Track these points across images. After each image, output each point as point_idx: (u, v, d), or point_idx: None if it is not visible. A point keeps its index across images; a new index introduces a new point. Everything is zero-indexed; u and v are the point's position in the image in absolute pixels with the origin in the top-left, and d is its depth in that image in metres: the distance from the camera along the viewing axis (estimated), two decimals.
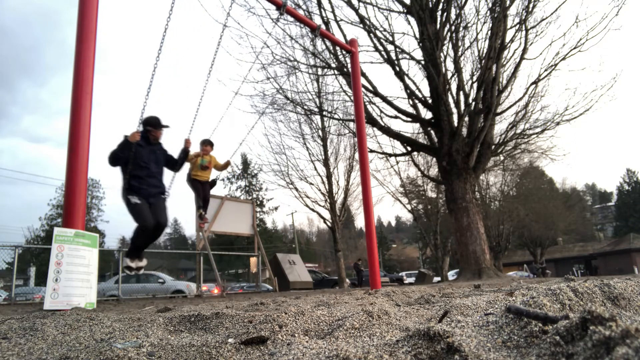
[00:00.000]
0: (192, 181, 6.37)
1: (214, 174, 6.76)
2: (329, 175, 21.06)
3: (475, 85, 13.76)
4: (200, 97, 4.69)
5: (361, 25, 13.67)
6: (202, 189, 6.52)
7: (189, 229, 68.92)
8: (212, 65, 4.60)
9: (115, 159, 4.29)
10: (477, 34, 13.74)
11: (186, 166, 6.47)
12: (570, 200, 40.85)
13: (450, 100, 13.74)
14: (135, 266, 4.57)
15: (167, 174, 4.84)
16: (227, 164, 6.46)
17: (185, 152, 4.89)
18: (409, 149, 16.40)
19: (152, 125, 4.51)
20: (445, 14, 13.36)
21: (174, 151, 4.90)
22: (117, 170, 4.41)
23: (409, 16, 13.94)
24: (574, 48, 12.82)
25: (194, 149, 6.53)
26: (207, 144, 6.27)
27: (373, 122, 14.41)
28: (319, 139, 21.07)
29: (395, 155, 17.92)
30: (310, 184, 21.09)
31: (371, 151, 15.89)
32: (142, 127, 4.47)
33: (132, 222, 4.36)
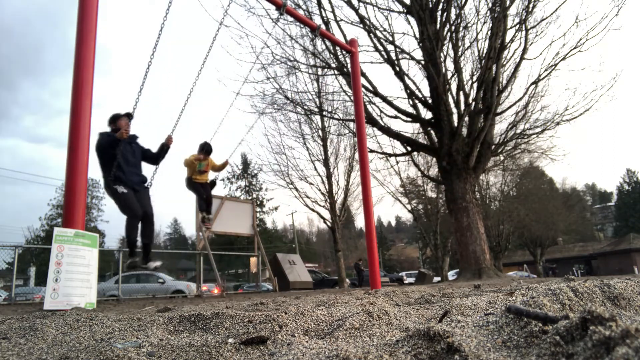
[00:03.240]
0: (193, 184, 6.47)
1: (212, 174, 6.83)
2: (329, 175, 21.05)
3: (475, 85, 13.76)
4: (188, 94, 4.68)
5: (361, 25, 13.68)
6: (203, 191, 6.61)
7: (189, 229, 68.91)
8: (205, 60, 4.58)
9: (103, 152, 4.52)
10: (477, 34, 13.76)
11: (183, 170, 6.56)
12: (570, 200, 40.88)
13: (450, 100, 13.74)
14: (150, 266, 4.84)
15: (149, 167, 5.07)
16: (225, 164, 6.55)
17: (164, 148, 5.02)
18: (409, 149, 16.39)
19: (114, 120, 4.73)
20: (445, 14, 13.36)
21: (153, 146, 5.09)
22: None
23: (409, 16, 13.94)
24: (574, 48, 12.84)
25: (190, 150, 6.57)
26: (203, 151, 6.33)
27: (373, 122, 14.40)
28: (319, 139, 21.07)
29: (395, 155, 17.91)
30: (310, 184, 21.09)
31: (371, 151, 15.88)
32: (110, 125, 4.75)
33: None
